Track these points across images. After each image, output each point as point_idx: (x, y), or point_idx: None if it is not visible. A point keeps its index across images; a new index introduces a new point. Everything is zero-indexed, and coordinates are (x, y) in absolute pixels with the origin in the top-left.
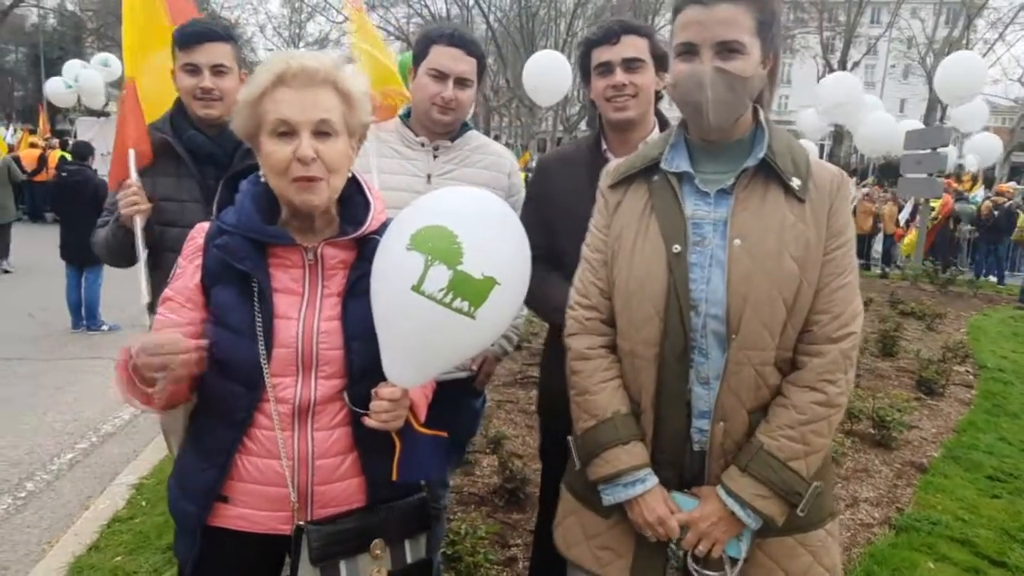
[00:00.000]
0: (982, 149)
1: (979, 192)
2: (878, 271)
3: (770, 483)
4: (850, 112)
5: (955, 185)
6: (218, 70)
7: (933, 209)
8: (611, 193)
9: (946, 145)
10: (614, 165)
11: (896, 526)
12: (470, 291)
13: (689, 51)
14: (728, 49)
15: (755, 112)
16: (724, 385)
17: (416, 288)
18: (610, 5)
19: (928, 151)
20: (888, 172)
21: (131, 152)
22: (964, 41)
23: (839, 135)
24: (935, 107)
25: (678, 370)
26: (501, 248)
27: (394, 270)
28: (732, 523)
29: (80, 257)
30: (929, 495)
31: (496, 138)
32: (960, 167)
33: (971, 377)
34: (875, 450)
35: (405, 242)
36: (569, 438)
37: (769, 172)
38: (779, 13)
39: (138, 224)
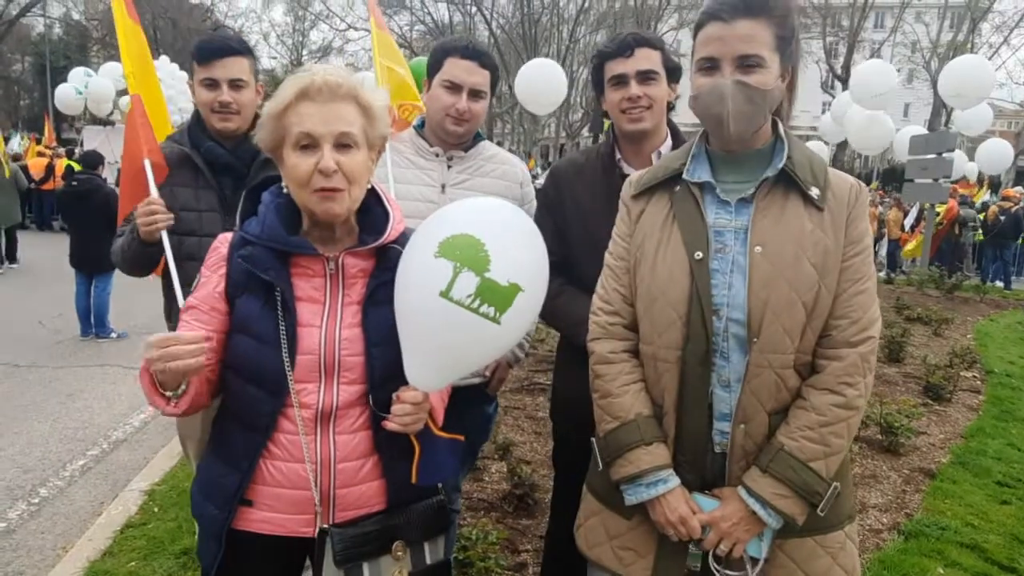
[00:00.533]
0: (993, 154)
1: (984, 196)
2: (883, 276)
3: (790, 483)
4: (887, 100)
5: (961, 190)
6: (236, 84)
7: (938, 214)
8: (634, 203)
9: (952, 150)
10: (637, 176)
11: (905, 532)
12: (497, 297)
13: (710, 65)
14: (748, 63)
15: (774, 124)
16: (745, 388)
17: (444, 294)
18: (612, 11)
19: (933, 156)
20: (891, 177)
21: (147, 163)
22: (969, 45)
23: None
24: (940, 112)
25: (700, 373)
26: (525, 256)
27: (422, 276)
28: (753, 523)
29: (89, 265)
30: (938, 501)
31: (499, 144)
32: (964, 178)
33: (978, 383)
34: (883, 456)
35: (433, 249)
36: (592, 439)
37: (789, 182)
38: (798, 29)
39: (165, 238)
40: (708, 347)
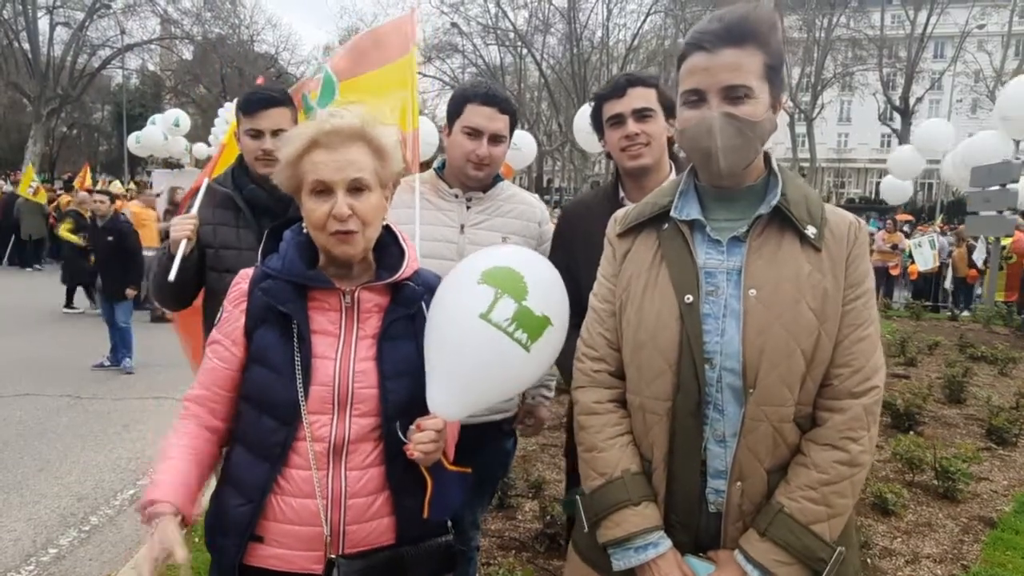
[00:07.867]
0: None
1: None
2: (947, 313)
3: (791, 548)
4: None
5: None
6: (278, 133)
7: (1005, 248)
8: (619, 242)
9: (1016, 180)
10: (623, 213)
11: None
12: (530, 325)
13: (697, 98)
14: (736, 94)
15: (767, 159)
16: (741, 443)
17: (484, 316)
18: (662, 49)
19: (997, 187)
20: (957, 210)
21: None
22: None
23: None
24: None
25: (692, 426)
26: (557, 294)
27: (464, 300)
28: None
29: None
30: (998, 552)
31: (549, 182)
32: None
33: None
34: (939, 503)
35: (476, 277)
36: (577, 497)
37: (783, 220)
38: (784, 56)
39: (181, 248)
40: (700, 398)
